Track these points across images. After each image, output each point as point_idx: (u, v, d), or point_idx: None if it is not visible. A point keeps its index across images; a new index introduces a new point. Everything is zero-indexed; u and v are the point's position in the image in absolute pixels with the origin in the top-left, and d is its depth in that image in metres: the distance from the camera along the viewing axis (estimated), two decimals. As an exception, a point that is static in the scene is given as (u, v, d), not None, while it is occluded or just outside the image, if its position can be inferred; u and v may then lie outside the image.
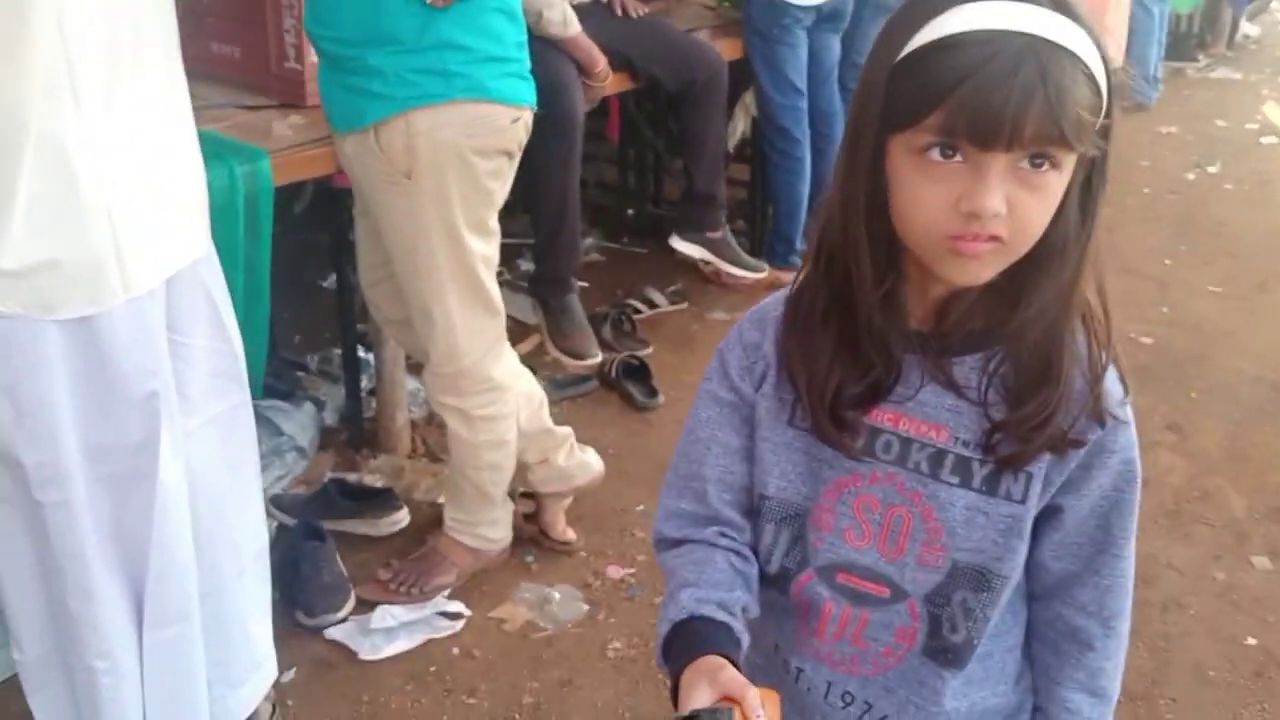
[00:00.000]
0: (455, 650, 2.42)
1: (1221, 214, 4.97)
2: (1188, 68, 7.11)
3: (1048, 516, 1.08)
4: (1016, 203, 0.91)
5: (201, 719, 1.90)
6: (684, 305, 3.97)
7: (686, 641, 1.02)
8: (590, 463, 2.76)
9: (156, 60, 1.62)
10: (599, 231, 4.42)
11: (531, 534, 2.75)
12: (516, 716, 2.25)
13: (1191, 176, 5.43)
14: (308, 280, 3.68)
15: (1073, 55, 0.89)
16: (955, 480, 1.04)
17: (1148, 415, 3.38)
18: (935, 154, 0.91)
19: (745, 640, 1.04)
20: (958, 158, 0.91)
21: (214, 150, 2.39)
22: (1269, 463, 3.18)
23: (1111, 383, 1.04)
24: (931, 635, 1.09)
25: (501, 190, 2.33)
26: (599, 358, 3.30)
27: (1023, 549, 1.06)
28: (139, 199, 1.58)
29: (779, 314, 1.09)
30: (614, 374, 3.44)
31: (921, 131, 0.91)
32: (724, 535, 1.11)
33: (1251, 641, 2.53)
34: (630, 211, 4.55)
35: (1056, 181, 0.93)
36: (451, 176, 2.20)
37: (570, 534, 2.75)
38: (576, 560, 2.71)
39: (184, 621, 1.81)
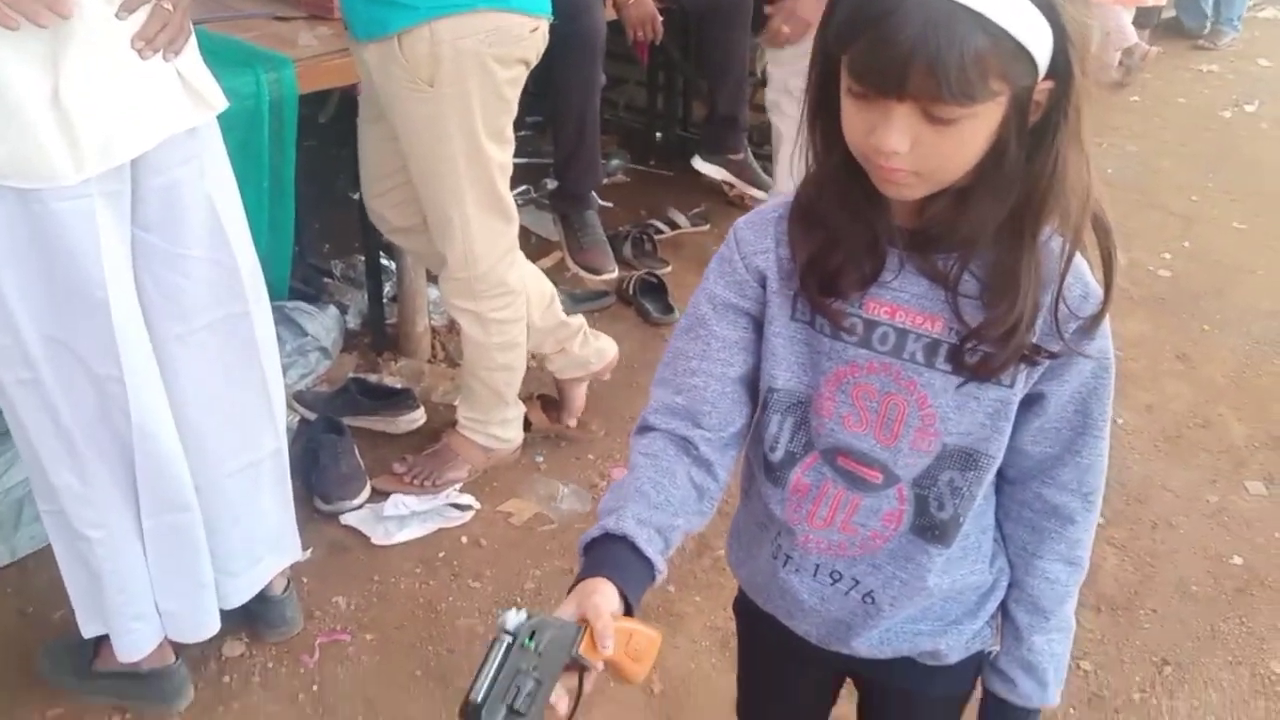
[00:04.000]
0: (464, 539, 2.54)
1: (1254, 153, 4.94)
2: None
3: (1030, 404, 1.13)
4: (925, 141, 0.97)
5: (207, 600, 2.03)
6: (706, 227, 4.03)
7: (602, 555, 1.07)
8: (605, 349, 2.89)
9: None
10: (626, 153, 4.47)
11: (546, 432, 2.87)
12: (518, 599, 2.37)
13: (1228, 114, 5.39)
14: (337, 192, 3.77)
15: (971, 11, 0.92)
16: (948, 368, 1.09)
17: (1159, 345, 3.43)
18: (855, 87, 0.99)
19: (659, 578, 1.08)
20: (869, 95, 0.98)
21: (241, 58, 2.50)
22: (1274, 394, 3.22)
23: (1091, 285, 1.08)
24: (919, 515, 1.17)
25: (517, 99, 2.39)
26: (615, 273, 3.38)
27: (1008, 429, 1.13)
28: (84, 83, 1.57)
29: (775, 215, 1.15)
30: (631, 290, 3.52)
31: (845, 66, 0.99)
32: (702, 439, 1.16)
33: (1237, 561, 2.60)
34: (658, 134, 4.60)
35: (970, 124, 0.96)
36: (473, 84, 2.26)
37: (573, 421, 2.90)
38: (585, 462, 2.82)
39: (182, 510, 1.92)
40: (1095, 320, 1.08)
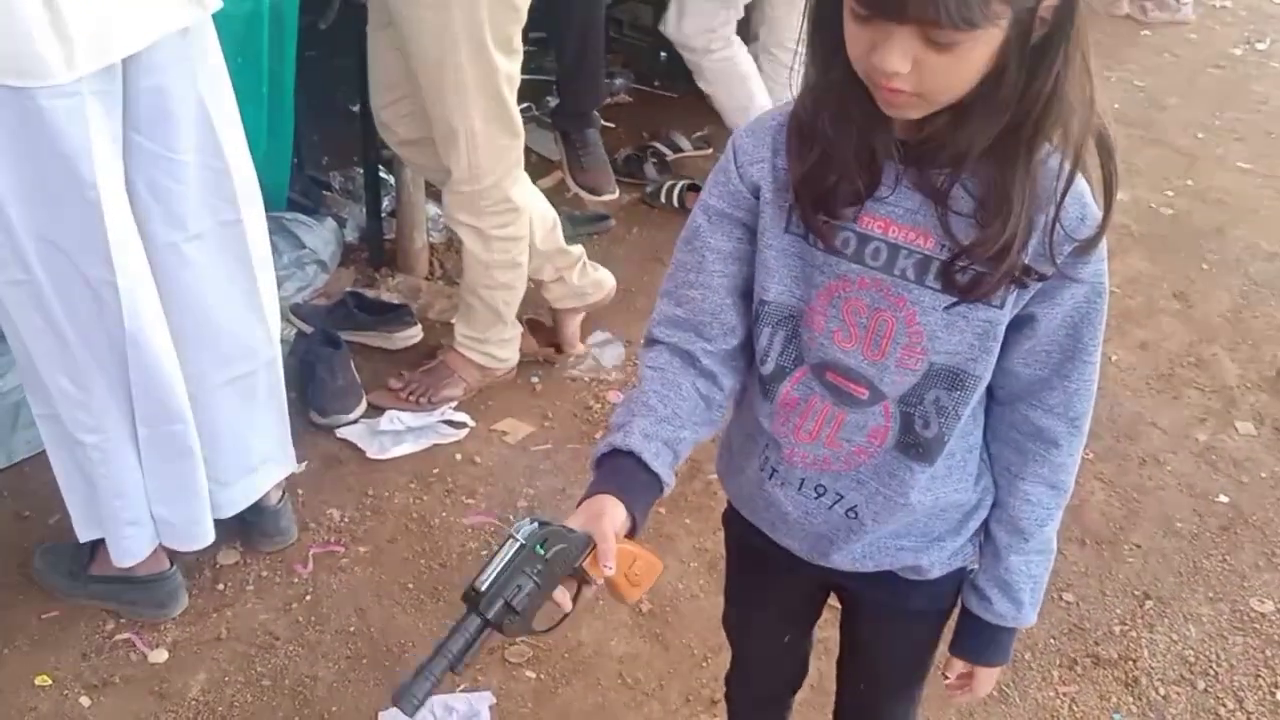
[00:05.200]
0: (458, 456, 2.56)
1: (1264, 91, 4.89)
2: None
3: (1020, 325, 1.13)
4: (925, 63, 0.96)
5: (201, 510, 2.05)
6: (708, 150, 3.99)
7: (612, 471, 1.14)
8: (603, 281, 2.88)
9: None
10: (630, 73, 4.41)
11: (546, 355, 2.87)
12: (511, 517, 2.39)
13: (1238, 52, 5.32)
14: (338, 104, 3.73)
15: None
16: (938, 286, 1.09)
17: (1156, 283, 3.42)
18: (857, 8, 0.97)
19: (668, 489, 1.15)
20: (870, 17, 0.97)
21: (241, -43, 2.44)
22: (1268, 336, 3.23)
23: (1090, 207, 1.07)
24: (904, 432, 1.17)
25: (525, 8, 2.35)
26: (616, 194, 3.35)
27: (996, 350, 1.13)
28: None
29: (775, 124, 1.15)
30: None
31: None
32: (704, 351, 1.19)
33: (1223, 499, 2.62)
34: (662, 54, 4.51)
35: (970, 46, 0.95)
36: None
37: (581, 346, 2.91)
38: (580, 384, 2.83)
39: (175, 422, 1.92)
40: (1090, 243, 1.07)
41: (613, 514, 1.09)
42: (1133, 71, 4.96)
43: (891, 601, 1.34)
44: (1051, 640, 2.21)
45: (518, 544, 1.03)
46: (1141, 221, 3.68)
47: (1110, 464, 2.69)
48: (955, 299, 1.09)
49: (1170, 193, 3.93)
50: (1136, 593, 2.34)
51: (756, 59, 3.46)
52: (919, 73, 0.96)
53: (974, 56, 0.96)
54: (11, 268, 1.71)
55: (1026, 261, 1.06)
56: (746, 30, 3.59)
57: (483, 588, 1.02)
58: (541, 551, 1.03)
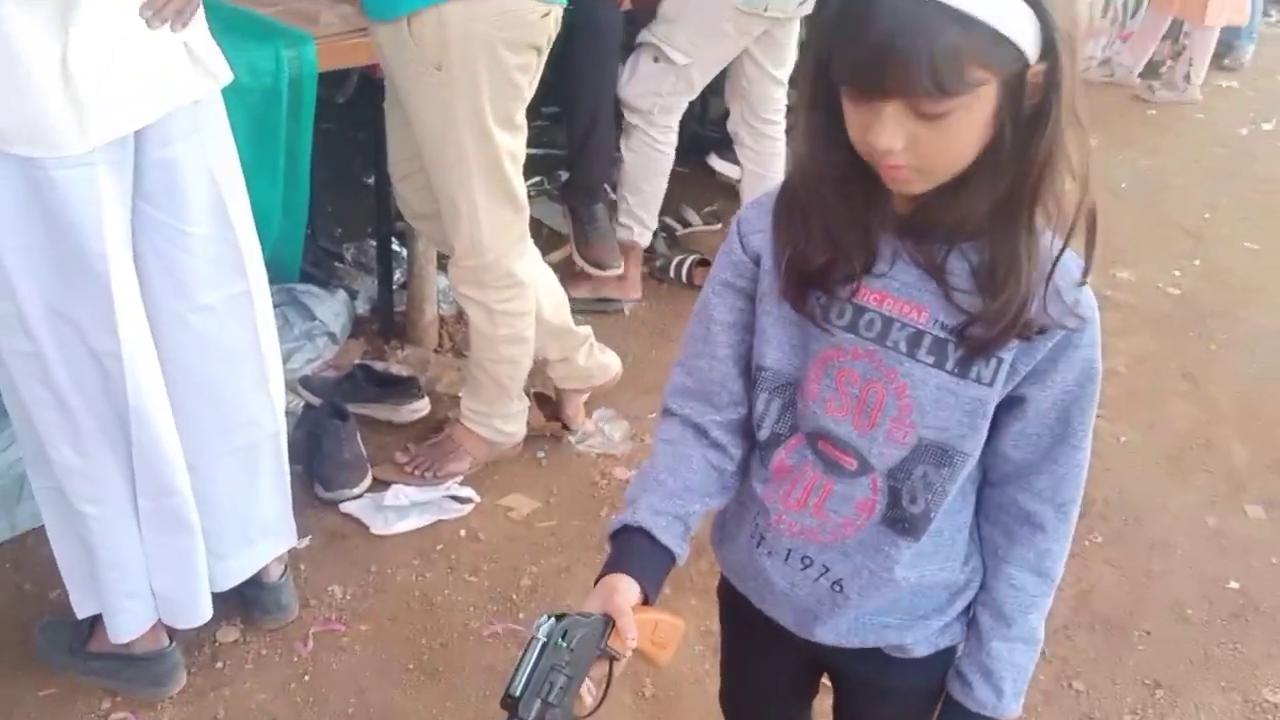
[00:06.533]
0: (462, 532, 2.54)
1: (1269, 172, 4.93)
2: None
3: (1011, 406, 1.14)
4: (919, 137, 0.98)
5: (200, 586, 2.03)
6: (718, 226, 4.02)
7: (623, 548, 1.18)
8: (609, 364, 2.87)
9: None
10: (640, 148, 4.45)
11: (553, 430, 2.87)
12: (514, 596, 2.38)
13: (1245, 132, 5.38)
14: (353, 176, 3.77)
15: (939, 5, 0.93)
16: (930, 360, 1.11)
17: (1164, 363, 3.42)
18: (844, 88, 1.01)
19: (681, 557, 1.18)
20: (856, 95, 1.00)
21: (261, 32, 2.49)
22: (1278, 417, 3.21)
23: (1072, 268, 1.09)
24: (891, 506, 1.18)
25: (530, 86, 2.37)
26: (620, 269, 3.37)
27: (985, 429, 1.14)
28: (92, 50, 1.56)
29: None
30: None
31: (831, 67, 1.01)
32: (714, 423, 1.22)
33: (1234, 585, 2.59)
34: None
35: (961, 115, 0.97)
36: (482, 69, 2.24)
37: (588, 422, 2.90)
38: (586, 460, 2.82)
39: (173, 495, 1.91)
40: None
41: (625, 590, 1.13)
42: (1139, 151, 5.00)
43: (879, 679, 1.33)
44: (1061, 730, 2.17)
45: (540, 642, 1.06)
46: (1149, 302, 3.68)
47: (1119, 548, 2.67)
48: (962, 353, 1.10)
49: (1177, 272, 3.94)
50: (1147, 681, 2.31)
51: (736, 133, 3.52)
52: (915, 148, 0.98)
53: (967, 125, 0.98)
54: (18, 338, 1.72)
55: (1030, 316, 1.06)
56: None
57: (517, 692, 1.05)
58: (564, 644, 1.06)
